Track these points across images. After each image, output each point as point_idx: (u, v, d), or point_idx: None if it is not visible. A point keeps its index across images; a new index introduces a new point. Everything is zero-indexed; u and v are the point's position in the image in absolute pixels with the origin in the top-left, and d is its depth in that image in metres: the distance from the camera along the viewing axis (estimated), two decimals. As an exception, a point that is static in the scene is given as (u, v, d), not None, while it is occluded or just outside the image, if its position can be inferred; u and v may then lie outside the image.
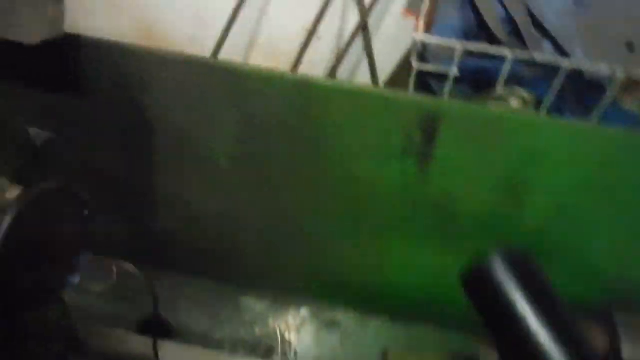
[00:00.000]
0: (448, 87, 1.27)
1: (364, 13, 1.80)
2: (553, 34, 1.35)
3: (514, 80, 1.26)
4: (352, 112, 1.36)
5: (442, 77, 1.30)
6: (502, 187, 1.37)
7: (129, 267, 1.23)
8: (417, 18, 1.26)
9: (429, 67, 1.28)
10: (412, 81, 1.31)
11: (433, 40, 1.22)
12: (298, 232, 1.55)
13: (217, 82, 1.37)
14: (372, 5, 1.76)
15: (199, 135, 1.44)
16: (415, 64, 1.25)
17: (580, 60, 1.36)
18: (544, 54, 1.34)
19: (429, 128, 1.35)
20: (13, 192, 1.01)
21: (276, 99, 1.36)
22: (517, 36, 1.41)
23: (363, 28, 1.83)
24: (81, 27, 1.27)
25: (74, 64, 1.38)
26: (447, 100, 1.32)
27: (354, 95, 1.35)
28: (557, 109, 1.30)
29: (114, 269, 1.24)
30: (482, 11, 1.25)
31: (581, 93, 1.42)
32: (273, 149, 1.42)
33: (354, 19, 1.87)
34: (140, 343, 1.45)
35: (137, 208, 1.61)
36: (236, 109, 1.39)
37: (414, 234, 1.48)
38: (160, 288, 1.69)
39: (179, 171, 1.51)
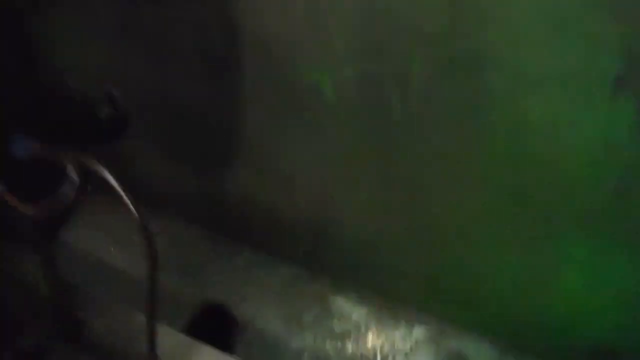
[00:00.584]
0: None
1: None
2: None
3: None
4: (533, 7, 0.87)
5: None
6: None
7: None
8: None
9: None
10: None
11: None
12: (425, 215, 1.08)
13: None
14: None
15: (300, 48, 1.04)
16: None
17: None
18: None
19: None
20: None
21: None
22: None
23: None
24: None
25: None
26: None
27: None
28: None
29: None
30: None
31: None
32: (401, 70, 0.98)
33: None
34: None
35: (212, 159, 1.22)
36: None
37: (621, 235, 0.93)
38: (230, 268, 1.32)
39: (268, 106, 1.11)
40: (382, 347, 1.10)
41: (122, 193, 0.75)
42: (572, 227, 0.93)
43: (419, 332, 1.12)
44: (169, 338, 1.01)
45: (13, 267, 1.20)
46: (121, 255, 1.25)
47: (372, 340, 1.11)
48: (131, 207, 0.75)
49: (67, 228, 0.96)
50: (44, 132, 0.86)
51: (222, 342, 1.10)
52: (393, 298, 1.15)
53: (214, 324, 1.12)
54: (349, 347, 1.11)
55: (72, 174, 0.79)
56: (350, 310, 1.15)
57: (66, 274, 1.09)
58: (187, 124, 1.18)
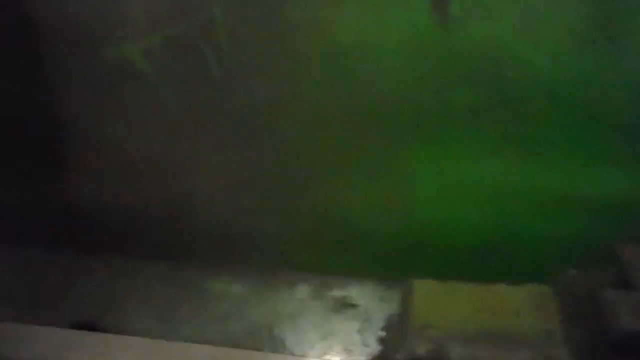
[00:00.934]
0: None
1: None
2: None
3: None
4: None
5: None
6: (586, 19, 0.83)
7: None
8: None
9: None
10: None
11: None
12: (273, 168, 1.02)
13: None
14: None
15: (101, 25, 0.98)
16: None
17: None
18: None
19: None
20: None
21: None
22: None
23: None
24: None
25: None
26: None
27: None
28: None
29: None
30: None
31: None
32: (208, 24, 0.94)
33: None
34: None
35: (42, 165, 1.11)
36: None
37: (449, 135, 0.94)
38: (92, 283, 1.21)
39: (87, 94, 1.03)
40: (266, 317, 1.04)
41: None
42: (407, 135, 0.92)
43: (301, 291, 1.07)
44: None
45: None
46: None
47: (254, 313, 1.05)
48: None
49: None
50: None
51: None
52: (269, 267, 1.10)
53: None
54: (232, 326, 1.04)
55: None
56: (227, 290, 1.08)
57: None
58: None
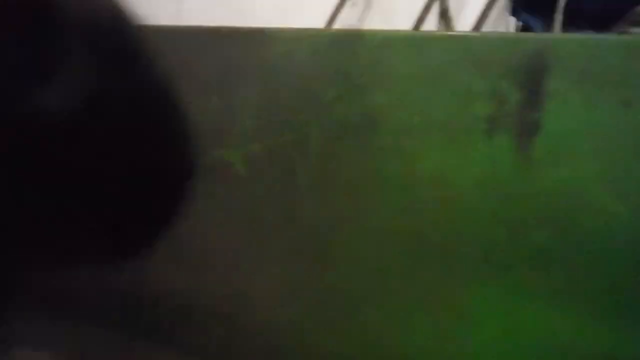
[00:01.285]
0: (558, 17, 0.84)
1: None
2: None
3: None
4: (410, 70, 0.95)
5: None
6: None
7: None
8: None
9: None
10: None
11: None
12: (336, 285, 1.01)
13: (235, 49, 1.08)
14: None
15: (212, 133, 1.09)
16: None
17: None
18: None
19: (532, 82, 0.88)
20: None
21: (307, 61, 1.02)
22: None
23: None
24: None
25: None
26: (558, 35, 0.86)
27: (412, 42, 0.96)
28: None
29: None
30: None
31: None
32: (301, 138, 1.02)
33: None
34: None
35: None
36: (254, 81, 1.06)
37: (518, 275, 0.88)
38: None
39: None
40: None
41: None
42: (474, 270, 0.88)
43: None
44: None
45: None
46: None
47: None
48: None
49: None
50: None
51: None
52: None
53: None
54: None
55: None
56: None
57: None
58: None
